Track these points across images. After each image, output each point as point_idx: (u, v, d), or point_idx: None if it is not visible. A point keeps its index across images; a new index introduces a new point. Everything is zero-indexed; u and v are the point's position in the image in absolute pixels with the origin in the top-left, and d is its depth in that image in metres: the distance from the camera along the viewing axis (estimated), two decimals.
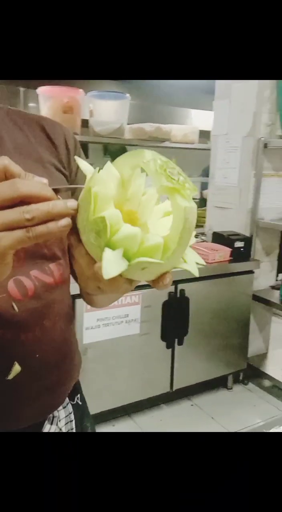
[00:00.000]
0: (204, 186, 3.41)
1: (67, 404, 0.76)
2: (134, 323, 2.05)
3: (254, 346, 2.61)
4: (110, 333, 1.99)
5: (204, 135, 3.08)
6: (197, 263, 0.47)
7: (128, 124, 2.73)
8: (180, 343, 2.21)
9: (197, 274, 0.46)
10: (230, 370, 2.46)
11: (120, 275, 0.42)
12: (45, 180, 0.43)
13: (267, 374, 2.49)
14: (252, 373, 2.58)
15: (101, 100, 2.71)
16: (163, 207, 0.50)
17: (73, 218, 0.44)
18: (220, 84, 2.52)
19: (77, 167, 0.76)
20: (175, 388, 2.26)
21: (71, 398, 0.78)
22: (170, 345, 2.19)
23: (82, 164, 0.47)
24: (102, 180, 0.43)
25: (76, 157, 0.49)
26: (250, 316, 2.47)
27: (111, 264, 0.41)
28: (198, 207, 0.47)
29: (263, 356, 2.66)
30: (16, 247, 0.42)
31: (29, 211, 0.41)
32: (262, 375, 2.56)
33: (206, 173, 3.18)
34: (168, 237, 0.43)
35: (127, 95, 2.70)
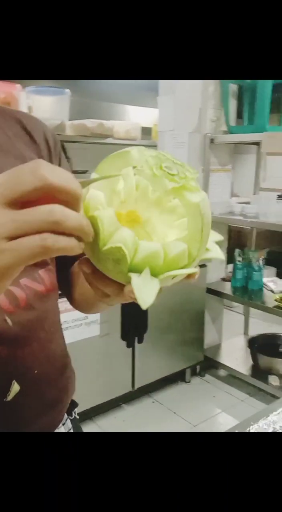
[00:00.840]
0: None
1: (66, 420, 0.71)
2: (94, 324, 2.00)
3: (209, 338, 2.66)
4: (71, 337, 1.92)
5: (145, 131, 3.07)
6: (216, 242, 0.44)
7: (69, 120, 2.65)
8: (140, 341, 2.20)
9: (222, 257, 0.44)
10: (188, 363, 2.49)
11: None
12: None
13: (222, 364, 2.55)
14: (207, 364, 2.63)
15: (40, 95, 2.62)
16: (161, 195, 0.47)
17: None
18: (164, 80, 2.53)
19: (59, 164, 0.71)
20: (136, 386, 2.24)
21: (69, 413, 0.73)
22: (130, 344, 2.16)
23: None
24: (96, 199, 0.39)
25: None
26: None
27: (144, 292, 0.37)
28: None
29: (217, 347, 2.73)
30: (26, 264, 0.34)
31: (59, 212, 0.32)
32: (217, 365, 2.62)
33: None
34: (189, 237, 0.40)
35: (67, 90, 2.63)
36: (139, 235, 0.39)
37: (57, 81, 3.20)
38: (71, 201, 0.34)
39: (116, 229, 0.38)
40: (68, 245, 0.34)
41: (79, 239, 0.35)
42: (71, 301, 0.72)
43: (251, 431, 0.85)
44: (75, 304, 0.71)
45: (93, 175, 0.41)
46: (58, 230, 0.33)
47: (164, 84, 2.53)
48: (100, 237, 0.37)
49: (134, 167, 0.42)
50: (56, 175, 0.33)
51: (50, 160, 0.68)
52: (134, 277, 0.38)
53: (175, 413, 2.29)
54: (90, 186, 0.40)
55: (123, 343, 2.15)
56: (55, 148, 0.70)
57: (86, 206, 0.39)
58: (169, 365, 2.39)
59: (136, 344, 2.19)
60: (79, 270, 0.67)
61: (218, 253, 0.43)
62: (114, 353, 2.13)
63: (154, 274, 0.39)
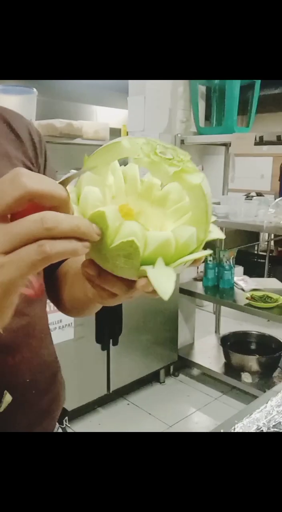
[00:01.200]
0: None
1: (57, 429, 0.69)
2: (69, 328, 1.96)
3: (182, 338, 2.67)
4: None
5: (113, 132, 3.06)
6: (213, 223, 0.43)
7: (36, 120, 2.60)
8: (115, 343, 2.18)
9: (223, 236, 0.43)
10: (162, 363, 2.50)
11: None
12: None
13: (195, 363, 2.57)
14: (181, 364, 2.65)
15: (6, 95, 2.56)
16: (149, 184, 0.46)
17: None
18: (134, 81, 2.52)
19: (45, 163, 0.68)
20: (112, 389, 2.22)
21: (60, 422, 0.70)
22: (105, 347, 2.14)
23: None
24: (94, 196, 0.38)
25: None
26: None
27: (162, 282, 0.35)
28: None
29: (190, 347, 2.75)
30: (29, 274, 0.32)
31: (50, 218, 0.31)
32: (191, 365, 2.64)
33: None
34: (195, 220, 0.39)
35: (34, 89, 2.58)
36: None
37: (24, 80, 3.14)
38: (59, 205, 0.33)
39: (121, 223, 0.36)
40: (69, 248, 0.32)
41: (81, 240, 0.34)
42: (59, 305, 0.70)
43: (236, 429, 0.86)
44: (64, 308, 0.69)
45: (87, 174, 0.40)
46: (54, 236, 0.32)
47: (134, 84, 2.52)
48: (107, 234, 0.36)
49: (131, 157, 0.40)
50: (36, 181, 0.32)
51: (36, 158, 0.66)
52: (149, 269, 0.36)
53: (150, 414, 2.29)
54: (83, 183, 0.39)
55: (98, 346, 2.12)
56: (41, 146, 0.68)
57: (84, 204, 0.37)
58: (144, 366, 2.39)
59: (111, 346, 2.17)
60: (66, 272, 0.65)
61: (219, 233, 0.42)
62: (89, 357, 2.10)
63: (166, 263, 0.37)
